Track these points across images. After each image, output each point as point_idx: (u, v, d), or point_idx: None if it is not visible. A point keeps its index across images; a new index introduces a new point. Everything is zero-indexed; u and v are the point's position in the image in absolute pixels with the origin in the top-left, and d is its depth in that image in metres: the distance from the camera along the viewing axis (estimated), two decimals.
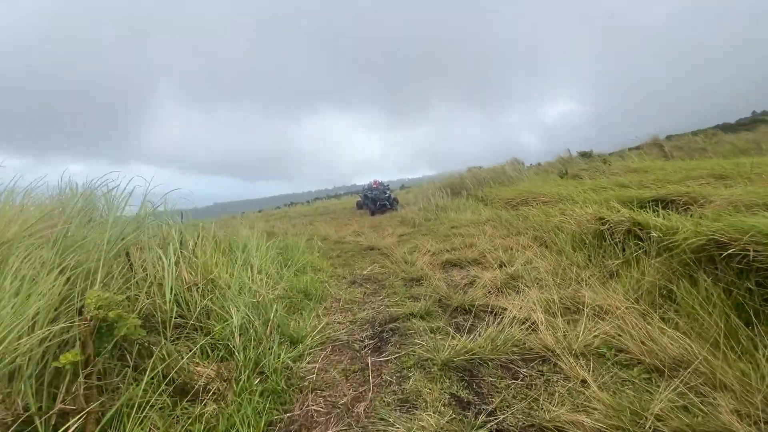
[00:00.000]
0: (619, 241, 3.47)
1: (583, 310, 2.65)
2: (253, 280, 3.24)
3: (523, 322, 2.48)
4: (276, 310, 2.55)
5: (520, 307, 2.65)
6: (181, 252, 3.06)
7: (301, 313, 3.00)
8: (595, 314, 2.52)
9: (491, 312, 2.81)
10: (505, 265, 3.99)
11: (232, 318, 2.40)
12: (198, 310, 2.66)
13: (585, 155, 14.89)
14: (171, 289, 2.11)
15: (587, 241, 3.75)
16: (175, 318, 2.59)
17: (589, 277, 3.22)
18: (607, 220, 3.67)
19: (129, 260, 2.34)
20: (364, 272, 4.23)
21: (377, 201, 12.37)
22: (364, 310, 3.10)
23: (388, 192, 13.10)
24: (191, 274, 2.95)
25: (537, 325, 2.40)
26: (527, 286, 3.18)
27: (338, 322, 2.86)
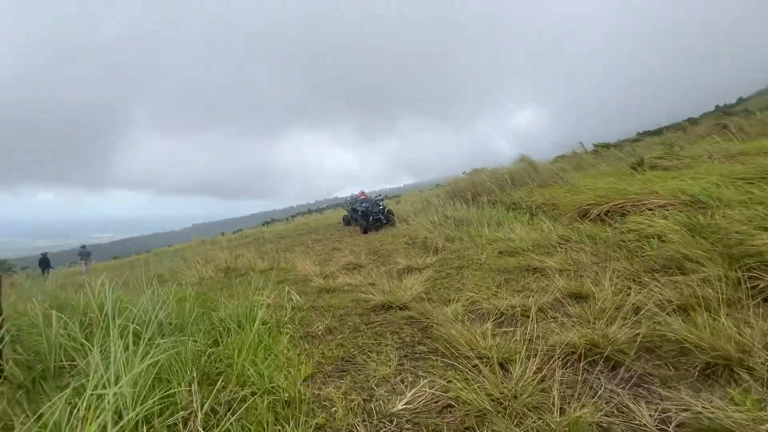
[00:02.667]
0: None
1: None
2: None
3: None
4: None
5: None
6: None
7: None
8: None
9: None
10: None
11: None
12: None
13: (605, 146, 13.04)
14: None
15: None
16: None
17: None
18: None
19: None
20: (398, 407, 1.75)
21: (370, 215, 9.93)
22: None
23: (381, 204, 10.68)
24: None
25: None
26: None
27: None
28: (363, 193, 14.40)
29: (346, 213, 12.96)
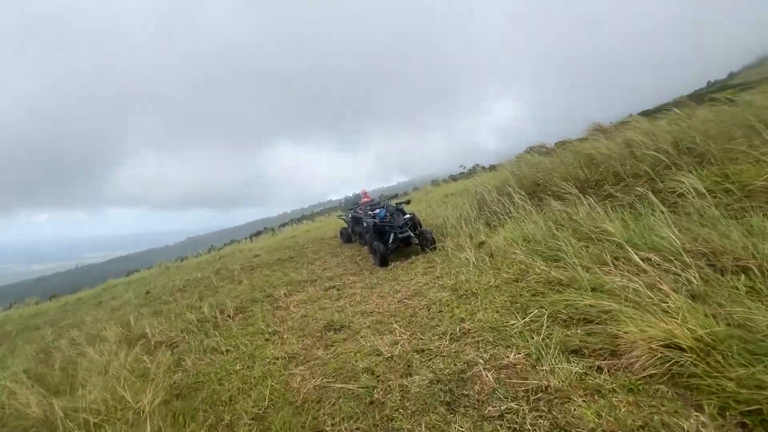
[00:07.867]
0: None
1: None
2: None
3: None
4: None
5: None
6: None
7: None
8: None
9: None
10: None
11: None
12: None
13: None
14: None
15: None
16: None
17: None
18: None
19: None
20: None
21: (389, 231, 5.72)
22: None
23: (405, 212, 6.45)
24: None
25: None
26: None
27: None
28: (366, 194, 10.14)
29: (346, 225, 8.77)
